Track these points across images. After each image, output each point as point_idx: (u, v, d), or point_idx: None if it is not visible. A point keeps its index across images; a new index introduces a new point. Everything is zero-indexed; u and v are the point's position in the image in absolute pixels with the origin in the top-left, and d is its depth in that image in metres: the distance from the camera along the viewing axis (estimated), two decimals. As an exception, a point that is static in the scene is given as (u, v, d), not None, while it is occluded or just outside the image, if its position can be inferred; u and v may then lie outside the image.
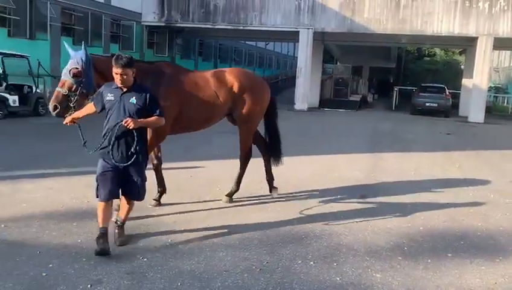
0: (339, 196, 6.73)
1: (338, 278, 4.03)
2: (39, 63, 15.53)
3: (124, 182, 4.37)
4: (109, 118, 4.33)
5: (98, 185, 4.32)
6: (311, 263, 4.33)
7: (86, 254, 4.17)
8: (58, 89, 4.73)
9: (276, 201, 6.33)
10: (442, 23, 22.17)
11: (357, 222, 5.63)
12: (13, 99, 14.57)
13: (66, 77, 4.71)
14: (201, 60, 31.26)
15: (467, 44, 25.58)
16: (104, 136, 4.32)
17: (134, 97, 4.31)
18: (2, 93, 14.34)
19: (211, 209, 5.82)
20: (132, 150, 4.24)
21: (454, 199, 6.92)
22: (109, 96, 4.35)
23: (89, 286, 3.64)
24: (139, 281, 3.75)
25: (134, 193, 4.49)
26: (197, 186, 6.89)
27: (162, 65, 5.63)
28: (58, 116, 4.72)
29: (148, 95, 4.38)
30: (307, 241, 4.88)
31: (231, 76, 5.83)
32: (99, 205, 4.31)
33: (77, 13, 20.36)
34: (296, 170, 8.16)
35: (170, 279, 3.84)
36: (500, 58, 44.95)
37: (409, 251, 4.81)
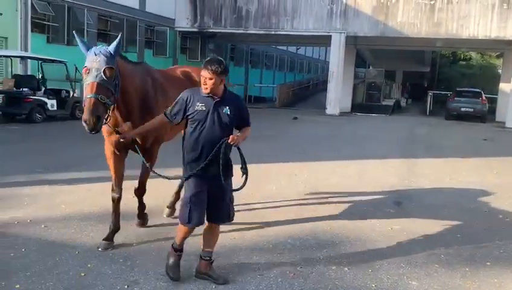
0: (373, 202, 6.65)
1: (373, 285, 3.97)
2: (76, 68, 15.91)
3: (210, 205, 3.80)
4: (201, 131, 3.72)
5: (190, 208, 3.70)
6: (346, 268, 4.29)
7: (123, 255, 4.25)
8: (91, 95, 3.73)
9: (309, 204, 6.31)
10: (479, 26, 21.64)
11: (391, 228, 5.55)
12: (51, 104, 15.02)
13: (98, 80, 3.78)
14: (233, 65, 31.43)
15: (505, 47, 24.86)
16: (193, 152, 3.75)
17: (227, 107, 3.75)
18: (41, 98, 14.81)
19: (241, 210, 5.84)
20: (221, 165, 3.69)
21: (493, 207, 6.73)
22: (199, 106, 3.72)
23: (126, 286, 3.71)
24: (175, 283, 3.79)
25: (225, 213, 3.90)
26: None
27: (147, 65, 5.00)
28: (95, 132, 3.79)
29: (240, 104, 3.89)
30: (341, 247, 4.84)
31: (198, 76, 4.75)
32: (185, 229, 3.82)
33: (113, 19, 20.84)
34: (328, 174, 8.10)
35: (205, 282, 3.86)
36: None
37: (446, 258, 4.70)
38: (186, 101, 3.76)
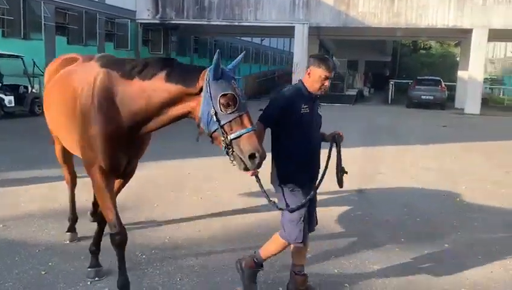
0: (335, 190, 6.75)
1: (336, 270, 4.08)
2: (34, 62, 15.50)
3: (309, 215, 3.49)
4: (308, 137, 3.36)
5: (303, 226, 3.35)
6: (309, 255, 4.35)
7: (85, 252, 4.18)
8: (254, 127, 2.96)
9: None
10: (437, 15, 22.19)
11: (353, 215, 5.67)
12: (9, 100, 14.53)
13: None
14: (197, 57, 31.22)
15: (462, 36, 25.60)
16: (300, 162, 3.36)
17: (319, 105, 3.49)
18: (-2, 94, 14.32)
19: (209, 205, 5.85)
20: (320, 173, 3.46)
21: (450, 191, 6.96)
22: (304, 108, 3.31)
23: (88, 283, 3.67)
24: (138, 277, 3.77)
25: (314, 223, 3.66)
26: (195, 182, 6.91)
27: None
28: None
29: (318, 101, 3.50)
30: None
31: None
32: (285, 246, 3.46)
33: (71, 12, 20.28)
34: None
35: (169, 274, 3.87)
36: (496, 49, 45.04)
37: (406, 242, 4.85)
38: (289, 102, 3.30)
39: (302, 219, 3.33)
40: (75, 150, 3.68)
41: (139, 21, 24.41)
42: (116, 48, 23.22)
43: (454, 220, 5.62)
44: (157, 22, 24.55)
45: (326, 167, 3.45)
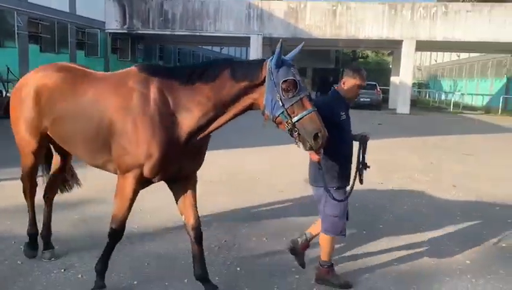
0: (284, 181, 6.84)
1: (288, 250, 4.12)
2: (8, 68, 14.83)
3: None
4: (347, 140, 3.48)
5: (344, 219, 3.46)
6: (264, 239, 4.40)
7: (57, 241, 4.05)
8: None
9: (228, 185, 6.37)
10: (373, 28, 22.79)
11: (302, 202, 5.75)
12: (-16, 104, 13.81)
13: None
14: (163, 64, 30.75)
15: (394, 46, 26.41)
16: (343, 163, 3.41)
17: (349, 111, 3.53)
18: (-27, 98, 13.59)
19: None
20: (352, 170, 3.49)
21: (384, 180, 7.17)
22: (343, 115, 3.41)
23: (62, 270, 3.56)
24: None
25: (347, 216, 3.67)
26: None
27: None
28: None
29: None
30: (261, 222, 4.94)
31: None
32: (331, 240, 3.49)
33: (44, 22, 19.49)
34: (241, 161, 8.19)
35: (138, 261, 3.80)
36: (422, 58, 46.74)
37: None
38: (330, 112, 3.26)
39: (344, 214, 3.41)
40: (90, 156, 3.30)
41: (108, 31, 23.75)
42: (87, 56, 22.56)
43: (387, 204, 5.80)
44: (124, 31, 23.97)
45: (359, 165, 3.48)
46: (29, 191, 3.77)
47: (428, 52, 42.19)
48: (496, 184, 7.11)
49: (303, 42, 3.65)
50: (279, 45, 2.81)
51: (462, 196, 6.33)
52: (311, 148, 2.87)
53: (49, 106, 3.31)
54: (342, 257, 4.05)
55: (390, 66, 34.04)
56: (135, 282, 3.47)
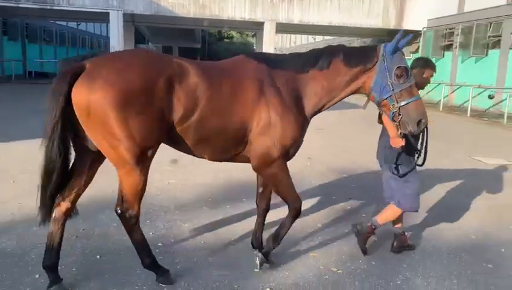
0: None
1: (151, 233, 4.04)
2: None
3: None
4: None
5: (419, 194, 3.78)
6: (126, 223, 4.25)
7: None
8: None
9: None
10: (235, 9, 23.23)
11: (168, 183, 5.69)
12: None
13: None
14: (7, 40, 27.16)
15: (257, 28, 27.30)
16: (412, 146, 3.56)
17: None
18: None
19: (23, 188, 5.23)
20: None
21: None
22: None
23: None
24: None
25: None
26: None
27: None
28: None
29: None
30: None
31: None
32: (402, 215, 3.86)
33: None
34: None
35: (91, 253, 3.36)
36: (283, 40, 49.35)
37: (212, 201, 5.07)
38: None
39: (419, 191, 3.77)
40: (221, 154, 3.20)
41: None
42: None
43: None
44: (-45, 0, 20.48)
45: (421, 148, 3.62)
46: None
47: (289, 35, 44.69)
48: (342, 156, 7.92)
49: (411, 34, 3.82)
50: (399, 34, 3.11)
51: (316, 167, 6.91)
52: (410, 132, 3.16)
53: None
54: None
55: (255, 47, 35.26)
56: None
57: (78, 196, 3.07)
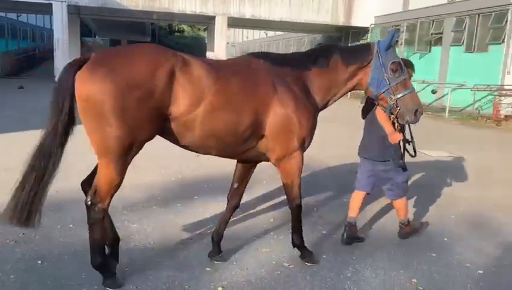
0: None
1: (97, 235, 3.87)
2: None
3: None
4: None
5: (407, 182, 4.18)
6: (71, 225, 4.06)
7: None
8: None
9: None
10: (186, 2, 22.84)
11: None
12: None
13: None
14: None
15: (208, 22, 27.03)
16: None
17: None
18: None
19: None
20: None
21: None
22: None
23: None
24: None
25: None
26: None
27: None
28: None
29: None
30: (66, 208, 4.53)
31: None
32: (406, 201, 4.20)
33: None
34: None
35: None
36: (235, 34, 49.20)
37: (162, 199, 4.94)
38: None
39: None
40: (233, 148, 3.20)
41: None
42: None
43: (205, 174, 5.97)
44: None
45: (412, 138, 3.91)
46: None
47: (241, 30, 44.60)
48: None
49: (395, 32, 3.98)
50: (392, 32, 3.44)
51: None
52: (407, 122, 3.41)
53: None
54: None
55: (206, 42, 34.90)
56: None
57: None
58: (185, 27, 50.10)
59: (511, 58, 15.64)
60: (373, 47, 3.38)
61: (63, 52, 21.61)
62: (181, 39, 47.92)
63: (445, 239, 4.25)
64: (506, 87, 15.22)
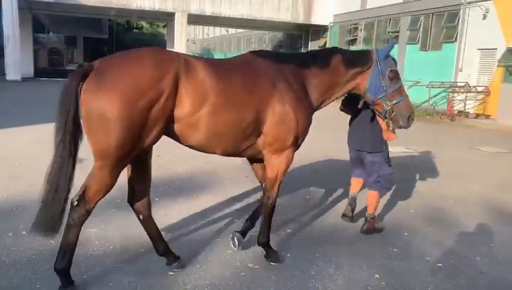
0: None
1: (52, 241, 3.69)
2: None
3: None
4: None
5: (392, 175, 4.33)
6: (24, 232, 3.85)
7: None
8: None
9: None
10: (145, -1, 22.40)
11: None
12: None
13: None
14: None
15: (168, 18, 26.60)
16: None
17: None
18: None
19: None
20: None
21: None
22: None
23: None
24: None
25: None
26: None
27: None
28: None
29: None
30: (17, 214, 4.30)
31: None
32: (379, 196, 4.38)
33: None
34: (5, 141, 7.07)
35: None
36: (196, 31, 48.71)
37: (121, 202, 4.78)
38: None
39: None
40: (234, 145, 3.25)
41: None
42: None
43: (165, 175, 5.85)
44: None
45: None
46: None
47: (202, 26, 44.17)
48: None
49: (394, 41, 4.22)
50: (392, 41, 3.72)
51: (232, 163, 6.86)
52: (400, 127, 3.58)
53: None
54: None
55: (166, 39, 34.34)
56: None
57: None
58: (143, 23, 49.11)
59: (463, 56, 16.32)
60: (373, 54, 3.54)
61: (14, 49, 20.71)
62: (139, 36, 46.92)
63: (406, 234, 4.36)
64: (458, 84, 15.87)
